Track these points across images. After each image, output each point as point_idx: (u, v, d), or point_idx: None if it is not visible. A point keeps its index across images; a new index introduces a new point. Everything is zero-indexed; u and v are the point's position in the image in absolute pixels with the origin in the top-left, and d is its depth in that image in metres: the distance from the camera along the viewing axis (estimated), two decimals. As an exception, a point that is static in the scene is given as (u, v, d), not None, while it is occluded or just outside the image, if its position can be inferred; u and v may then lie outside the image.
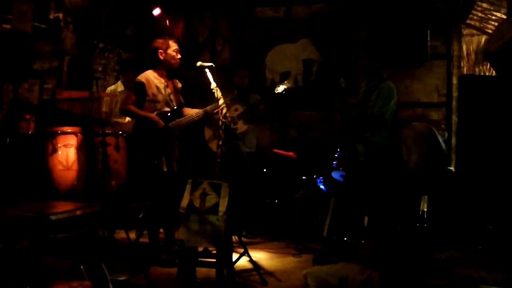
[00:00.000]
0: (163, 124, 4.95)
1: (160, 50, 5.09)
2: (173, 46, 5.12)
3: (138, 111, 4.99)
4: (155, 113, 5.00)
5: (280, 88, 5.64)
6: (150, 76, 5.08)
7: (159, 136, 4.94)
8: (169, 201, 4.79)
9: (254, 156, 6.36)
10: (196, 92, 7.30)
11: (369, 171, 5.12)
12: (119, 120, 6.31)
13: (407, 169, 4.79)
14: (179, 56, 5.16)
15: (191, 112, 5.14)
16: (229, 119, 4.62)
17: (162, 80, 5.12)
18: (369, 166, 5.13)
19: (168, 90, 5.14)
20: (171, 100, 5.14)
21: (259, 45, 8.01)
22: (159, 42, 5.11)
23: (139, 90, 5.01)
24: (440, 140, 4.43)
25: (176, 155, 5.09)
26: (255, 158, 6.34)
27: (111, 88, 6.77)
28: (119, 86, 6.65)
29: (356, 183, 5.21)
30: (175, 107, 5.12)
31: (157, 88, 5.07)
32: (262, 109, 6.29)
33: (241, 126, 6.14)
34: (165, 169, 4.97)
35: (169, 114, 5.04)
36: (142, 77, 5.06)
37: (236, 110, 6.17)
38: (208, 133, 6.13)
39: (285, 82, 5.83)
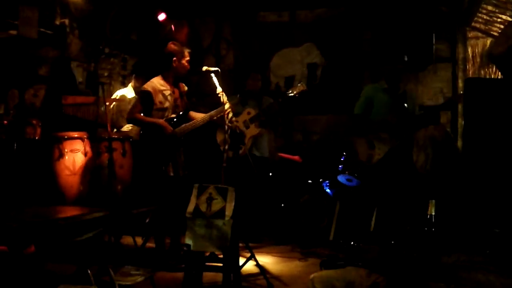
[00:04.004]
0: (172, 129, 4.97)
1: (174, 58, 5.11)
2: (187, 57, 5.16)
3: (145, 118, 5.02)
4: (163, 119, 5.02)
5: (294, 91, 5.64)
6: (156, 84, 5.10)
7: (166, 141, 4.96)
8: (175, 206, 4.80)
9: (264, 160, 6.33)
10: (199, 96, 7.31)
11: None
12: (125, 129, 6.30)
13: (415, 170, 4.79)
14: (188, 66, 5.21)
15: (197, 116, 5.17)
16: (235, 123, 4.61)
17: (168, 87, 5.15)
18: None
19: (174, 96, 5.16)
20: (177, 106, 5.16)
21: (263, 50, 8.03)
22: (175, 49, 5.13)
23: (145, 99, 5.04)
24: (456, 146, 4.46)
25: (182, 160, 5.11)
26: (264, 163, 6.31)
27: (120, 92, 6.73)
28: (130, 92, 6.63)
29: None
30: (181, 113, 5.14)
31: (164, 95, 5.09)
32: (275, 113, 6.25)
33: (253, 130, 6.08)
34: (171, 174, 4.99)
35: (175, 119, 5.06)
36: (148, 85, 5.08)
37: (249, 113, 6.12)
38: (220, 137, 6.10)
39: (300, 84, 5.80)
